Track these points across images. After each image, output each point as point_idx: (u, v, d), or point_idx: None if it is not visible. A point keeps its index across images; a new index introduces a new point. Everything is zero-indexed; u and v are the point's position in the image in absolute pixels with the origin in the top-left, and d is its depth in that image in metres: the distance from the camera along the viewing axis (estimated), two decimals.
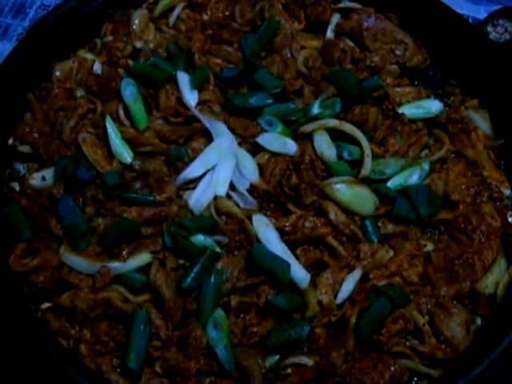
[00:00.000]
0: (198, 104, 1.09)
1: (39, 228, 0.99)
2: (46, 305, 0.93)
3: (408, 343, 0.95)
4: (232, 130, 1.07)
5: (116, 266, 0.94)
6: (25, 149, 1.06)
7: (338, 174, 1.03)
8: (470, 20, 1.21)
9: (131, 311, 0.91)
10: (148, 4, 1.20)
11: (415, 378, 0.92)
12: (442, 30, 1.18)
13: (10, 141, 1.06)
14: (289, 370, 0.92)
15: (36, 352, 0.87)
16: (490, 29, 1.25)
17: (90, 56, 1.16)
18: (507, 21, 1.26)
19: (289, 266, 0.96)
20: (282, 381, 0.92)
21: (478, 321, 0.96)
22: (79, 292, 0.93)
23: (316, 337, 0.93)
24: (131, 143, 1.08)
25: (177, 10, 1.20)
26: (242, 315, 0.93)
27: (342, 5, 1.22)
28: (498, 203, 1.06)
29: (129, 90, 1.08)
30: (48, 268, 0.94)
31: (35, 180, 1.04)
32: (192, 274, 0.94)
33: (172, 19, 1.20)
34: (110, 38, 1.17)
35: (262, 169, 1.04)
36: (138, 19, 1.18)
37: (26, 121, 1.08)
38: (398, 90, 1.13)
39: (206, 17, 1.20)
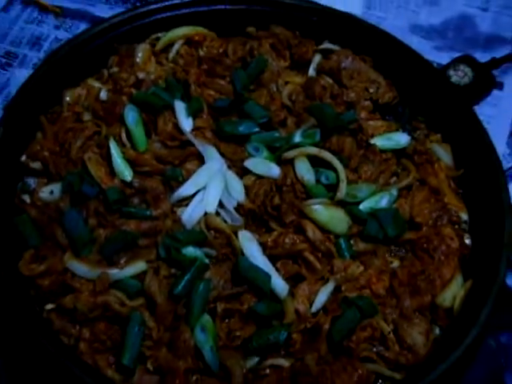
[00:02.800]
0: (193, 130, 1.09)
1: (46, 237, 0.98)
2: (50, 306, 0.92)
3: (374, 349, 0.94)
4: (222, 154, 1.07)
5: (114, 272, 0.94)
6: (36, 165, 1.05)
7: (316, 196, 1.03)
8: (435, 65, 1.23)
9: (127, 314, 0.91)
10: (151, 40, 1.20)
11: (380, 380, 0.91)
12: (411, 72, 1.18)
13: (23, 157, 1.05)
14: (267, 371, 0.92)
15: (40, 348, 0.86)
16: (451, 73, 1.26)
17: (97, 84, 1.15)
18: (467, 66, 1.27)
19: (269, 277, 0.94)
20: (261, 380, 0.91)
21: (437, 330, 0.96)
22: (80, 295, 0.91)
23: (292, 341, 0.92)
24: (131, 163, 1.06)
25: (176, 46, 1.20)
26: (226, 320, 0.93)
27: (322, 46, 1.22)
28: (456, 226, 1.05)
29: (131, 116, 1.08)
30: (53, 273, 0.93)
31: (44, 193, 1.03)
32: (183, 282, 0.93)
33: (171, 54, 1.20)
34: (115, 69, 1.16)
35: (248, 190, 1.04)
36: (141, 53, 1.18)
37: (37, 140, 1.07)
38: (370, 123, 1.13)
39: (201, 53, 1.20)
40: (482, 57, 1.34)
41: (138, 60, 1.17)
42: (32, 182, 1.06)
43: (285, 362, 0.92)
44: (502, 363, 0.91)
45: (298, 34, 1.24)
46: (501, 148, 1.27)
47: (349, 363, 0.92)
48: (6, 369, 0.98)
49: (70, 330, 0.92)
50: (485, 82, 1.32)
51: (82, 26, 1.36)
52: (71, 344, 0.90)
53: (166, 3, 1.24)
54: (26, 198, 1.04)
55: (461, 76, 1.28)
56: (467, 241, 1.06)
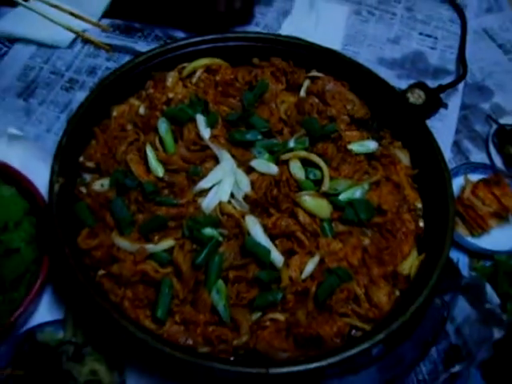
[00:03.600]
0: (210, 137, 1.04)
1: (98, 219, 0.94)
2: (101, 272, 0.89)
3: (349, 307, 0.90)
4: (233, 156, 1.02)
5: (149, 247, 0.90)
6: (90, 164, 1.01)
7: (306, 189, 0.99)
8: (397, 89, 1.16)
9: (159, 279, 0.87)
10: (178, 68, 1.16)
11: (354, 331, 0.88)
12: (379, 94, 1.15)
13: (81, 159, 1.02)
14: (267, 323, 0.88)
15: (95, 304, 0.83)
16: (409, 95, 1.23)
17: (137, 102, 1.11)
18: (420, 90, 1.23)
19: (269, 251, 0.90)
20: (262, 330, 0.87)
21: (397, 292, 0.92)
22: (124, 264, 0.88)
23: (287, 300, 0.89)
24: (163, 163, 1.01)
25: (198, 73, 1.16)
26: (236, 285, 0.90)
27: (311, 74, 1.18)
28: (413, 213, 1.01)
29: (163, 127, 1.04)
30: (103, 247, 0.90)
31: (96, 186, 0.99)
32: (202, 255, 0.89)
33: (194, 79, 1.15)
34: (151, 90, 1.11)
35: (253, 184, 1.00)
36: (171, 78, 1.13)
37: (91, 145, 1.04)
38: (348, 133, 1.10)
39: (217, 78, 1.15)
40: (432, 83, 1.30)
41: (168, 84, 1.13)
42: (87, 177, 1.02)
43: (281, 316, 0.89)
44: (444, 316, 0.87)
45: (292, 64, 1.20)
46: (447, 153, 1.22)
47: (330, 317, 0.88)
48: (73, 323, 0.93)
49: (116, 291, 0.88)
50: (434, 102, 1.27)
51: (126, 58, 1.30)
52: (117, 302, 0.87)
53: (190, 40, 1.19)
54: (83, 190, 1.00)
55: (416, 98, 1.24)
56: (421, 224, 1.02)
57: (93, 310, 0.86)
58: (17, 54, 1.32)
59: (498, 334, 0.81)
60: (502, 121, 1.26)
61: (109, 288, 0.87)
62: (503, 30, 1.51)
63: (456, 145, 1.28)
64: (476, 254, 1.07)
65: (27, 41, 1.33)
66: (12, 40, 1.34)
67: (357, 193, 1.00)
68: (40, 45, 1.34)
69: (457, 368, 0.82)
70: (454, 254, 1.04)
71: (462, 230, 1.09)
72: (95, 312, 0.85)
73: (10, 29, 1.33)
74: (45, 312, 0.96)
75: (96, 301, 0.82)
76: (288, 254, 0.93)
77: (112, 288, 0.87)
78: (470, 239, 1.08)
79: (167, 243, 0.92)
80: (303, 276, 0.91)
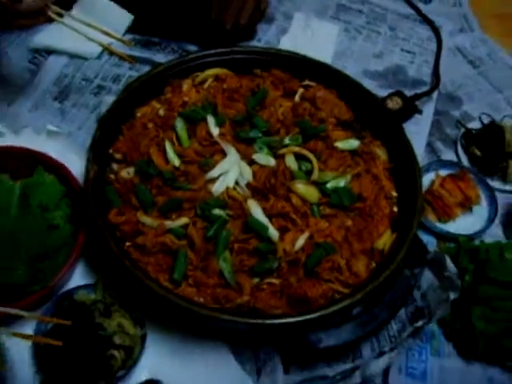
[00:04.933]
0: (219, 135, 1.10)
1: (125, 201, 1.01)
2: (128, 243, 0.96)
3: (333, 274, 0.95)
4: (238, 151, 1.08)
5: (168, 223, 0.97)
6: (118, 156, 1.08)
7: (298, 178, 1.04)
8: (378, 96, 1.24)
9: (176, 249, 0.95)
10: (192, 76, 1.21)
11: (336, 294, 0.94)
12: (362, 101, 1.19)
13: (110, 151, 1.08)
14: (264, 286, 0.94)
15: (124, 268, 0.91)
16: (388, 102, 1.28)
17: (157, 105, 1.16)
18: (398, 98, 1.28)
19: (267, 228, 0.96)
20: (261, 291, 0.93)
21: (374, 264, 0.98)
22: (147, 237, 0.95)
23: (281, 268, 0.95)
24: (179, 155, 1.06)
25: (208, 81, 1.21)
26: (239, 255, 0.96)
27: (304, 83, 1.22)
28: (389, 200, 1.07)
29: (179, 125, 1.10)
30: (130, 223, 0.97)
31: (123, 173, 1.05)
32: (212, 231, 0.96)
33: (205, 86, 1.20)
34: (169, 95, 1.17)
35: (254, 174, 1.05)
36: (185, 85, 1.18)
37: (119, 140, 1.10)
38: (334, 133, 1.14)
39: (225, 85, 1.19)
40: (409, 93, 1.35)
41: (183, 89, 1.18)
42: (115, 166, 1.08)
43: (276, 281, 0.94)
44: (412, 284, 0.95)
45: (289, 75, 1.24)
46: (420, 152, 1.28)
47: (316, 282, 0.94)
48: (102, 286, 1.01)
49: (141, 258, 0.95)
50: (410, 108, 1.33)
51: (146, 68, 1.37)
52: (142, 267, 0.94)
53: (202, 53, 1.24)
54: (112, 176, 1.06)
55: (394, 104, 1.29)
56: (395, 209, 1.06)
57: (122, 274, 0.94)
58: (53, 64, 1.39)
59: (453, 296, 0.92)
60: (469, 125, 1.32)
61: (135, 256, 0.94)
62: (473, 48, 1.57)
63: (429, 145, 1.33)
64: (443, 237, 1.15)
65: (61, 52, 1.41)
66: (49, 52, 1.41)
67: (341, 182, 1.06)
68: (72, 56, 1.41)
69: (419, 323, 0.92)
70: (425, 238, 1.12)
71: (431, 217, 1.17)
72: (124, 275, 0.93)
73: (47, 42, 1.40)
74: (78, 278, 1.05)
75: (126, 265, 0.90)
76: (282, 230, 0.98)
77: (137, 256, 0.94)
78: (438, 225, 1.16)
79: (182, 221, 0.98)
80: (295, 248, 0.96)
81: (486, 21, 1.66)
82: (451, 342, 1.02)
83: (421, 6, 1.67)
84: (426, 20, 1.63)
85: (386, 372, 0.96)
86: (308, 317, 0.88)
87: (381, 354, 0.93)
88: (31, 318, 0.94)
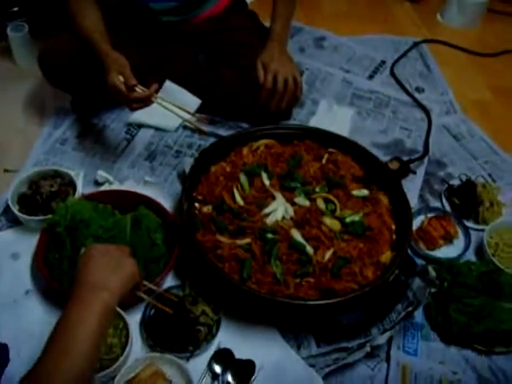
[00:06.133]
0: (269, 185, 1.39)
1: (206, 227, 1.32)
2: (210, 255, 1.28)
3: (350, 277, 1.24)
4: (283, 196, 1.36)
5: (237, 242, 1.28)
6: (200, 197, 1.38)
7: (326, 214, 1.35)
8: (382, 160, 1.47)
9: (243, 258, 1.26)
10: (249, 144, 1.48)
11: (352, 289, 1.21)
12: (371, 164, 1.44)
13: (194, 194, 1.38)
14: (304, 283, 1.23)
15: (210, 269, 1.23)
16: (389, 164, 1.54)
17: (225, 164, 1.46)
18: (397, 162, 1.55)
19: (305, 246, 1.27)
20: (301, 286, 1.22)
21: (378, 272, 1.26)
22: (224, 250, 1.27)
23: (315, 272, 1.25)
24: (243, 198, 1.36)
25: (261, 148, 1.47)
26: (286, 263, 1.26)
27: (329, 150, 1.49)
28: (389, 230, 1.34)
29: (242, 178, 1.41)
30: (211, 241, 1.29)
31: (204, 209, 1.37)
32: (267, 247, 1.26)
33: (259, 151, 1.50)
34: (233, 157, 1.46)
35: (295, 211, 1.35)
36: (245, 150, 1.49)
37: (200, 187, 1.40)
38: (351, 185, 1.42)
39: (272, 151, 1.49)
40: (406, 158, 1.63)
41: (243, 153, 1.47)
42: (197, 204, 1.38)
43: (311, 280, 1.23)
44: (408, 284, 1.25)
45: (317, 144, 1.50)
46: (414, 201, 1.57)
47: (339, 281, 1.23)
48: (189, 285, 1.31)
49: (220, 264, 1.24)
50: (406, 170, 1.60)
51: (212, 139, 1.67)
52: (220, 267, 1.23)
53: (255, 128, 1.55)
54: (196, 211, 1.36)
55: (394, 166, 1.58)
56: (394, 236, 1.34)
57: (207, 274, 1.25)
58: (143, 135, 1.75)
59: (433, 290, 1.29)
60: (451, 182, 1.61)
61: (216, 263, 1.24)
62: (456, 126, 1.87)
63: (421, 196, 1.60)
64: (431, 260, 1.43)
65: (149, 126, 1.76)
66: (140, 125, 1.77)
67: (356, 218, 1.34)
68: (157, 129, 1.75)
69: (410, 309, 1.28)
70: (418, 261, 1.38)
71: (422, 246, 1.47)
72: (209, 274, 1.24)
73: (139, 119, 1.76)
74: (169, 280, 1.37)
75: (213, 267, 1.22)
76: (316, 248, 1.27)
77: (217, 262, 1.25)
78: (426, 251, 1.45)
79: (247, 240, 1.29)
80: (324, 260, 1.25)
81: (466, 106, 1.96)
82: (435, 331, 1.34)
83: (416, 94, 1.98)
84: (420, 105, 1.92)
85: (388, 349, 1.28)
86: (334, 300, 1.21)
87: (384, 331, 1.25)
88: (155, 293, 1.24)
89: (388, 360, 1.26)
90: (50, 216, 1.37)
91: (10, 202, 1.43)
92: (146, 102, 1.45)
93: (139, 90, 1.41)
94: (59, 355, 0.81)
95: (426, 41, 2.24)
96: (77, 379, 0.78)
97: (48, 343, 0.84)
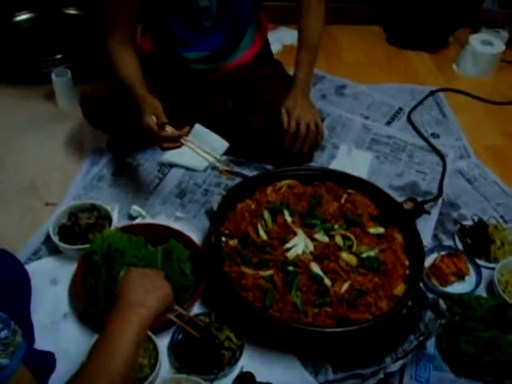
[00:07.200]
0: (291, 222, 1.48)
1: (231, 259, 1.42)
2: (235, 284, 1.42)
3: (365, 308, 1.32)
4: (304, 232, 1.44)
5: (261, 273, 1.38)
6: (227, 231, 1.47)
7: (343, 250, 1.44)
8: (398, 201, 1.54)
9: (266, 288, 1.35)
10: (273, 184, 1.58)
11: (367, 319, 1.29)
12: (387, 204, 1.53)
13: (221, 228, 1.47)
14: (322, 312, 1.31)
15: (235, 297, 1.35)
16: (404, 204, 1.61)
17: (250, 202, 1.56)
18: (412, 202, 1.62)
19: (323, 278, 1.36)
20: (319, 316, 1.30)
21: (392, 303, 1.33)
22: (248, 280, 1.36)
23: (332, 302, 1.33)
24: (266, 233, 1.45)
25: (283, 187, 1.60)
26: (306, 294, 1.34)
27: (347, 191, 1.59)
28: (403, 266, 1.42)
29: (266, 215, 1.51)
30: (236, 272, 1.40)
31: (231, 243, 1.46)
32: (288, 279, 1.35)
33: (282, 190, 1.59)
34: (258, 196, 1.57)
35: (315, 247, 1.44)
36: (269, 190, 1.58)
37: (227, 222, 1.50)
38: (368, 223, 1.49)
39: (295, 191, 1.58)
40: (420, 199, 1.69)
41: (267, 192, 1.58)
42: (224, 238, 1.47)
43: (329, 309, 1.31)
44: (420, 315, 1.32)
45: (337, 185, 1.59)
46: (428, 240, 1.64)
47: (355, 311, 1.30)
48: (215, 314, 1.40)
49: (244, 293, 1.34)
50: (420, 210, 1.66)
51: (238, 179, 1.75)
52: (244, 296, 1.33)
53: (280, 169, 1.66)
54: (223, 244, 1.45)
55: (408, 206, 1.65)
56: (407, 272, 1.40)
57: (233, 302, 1.34)
58: (174, 173, 1.85)
59: (443, 321, 1.41)
60: (464, 223, 1.68)
61: (240, 292, 1.33)
62: (470, 170, 1.93)
63: (435, 236, 1.67)
64: (443, 295, 1.45)
65: (180, 166, 1.87)
66: (171, 165, 1.87)
67: (372, 253, 1.42)
68: (187, 169, 1.85)
69: (421, 339, 1.37)
70: (430, 296, 1.43)
71: (435, 282, 1.53)
72: (234, 302, 1.33)
73: (170, 159, 1.87)
74: (197, 308, 1.45)
75: (237, 296, 1.31)
76: (333, 280, 1.35)
77: (241, 292, 1.33)
78: (439, 287, 1.51)
79: (269, 272, 1.37)
80: (341, 291, 1.32)
81: (479, 151, 2.03)
82: (447, 362, 1.40)
83: (432, 140, 2.06)
84: (435, 150, 2.00)
85: (401, 377, 1.34)
86: (350, 328, 1.31)
87: (397, 359, 1.31)
88: (184, 318, 1.34)
89: None
90: (87, 245, 1.47)
91: (50, 232, 1.54)
92: (176, 143, 1.53)
93: (169, 130, 1.49)
94: (103, 360, 0.91)
95: (441, 89, 2.33)
96: (118, 380, 0.90)
97: (91, 351, 0.95)
